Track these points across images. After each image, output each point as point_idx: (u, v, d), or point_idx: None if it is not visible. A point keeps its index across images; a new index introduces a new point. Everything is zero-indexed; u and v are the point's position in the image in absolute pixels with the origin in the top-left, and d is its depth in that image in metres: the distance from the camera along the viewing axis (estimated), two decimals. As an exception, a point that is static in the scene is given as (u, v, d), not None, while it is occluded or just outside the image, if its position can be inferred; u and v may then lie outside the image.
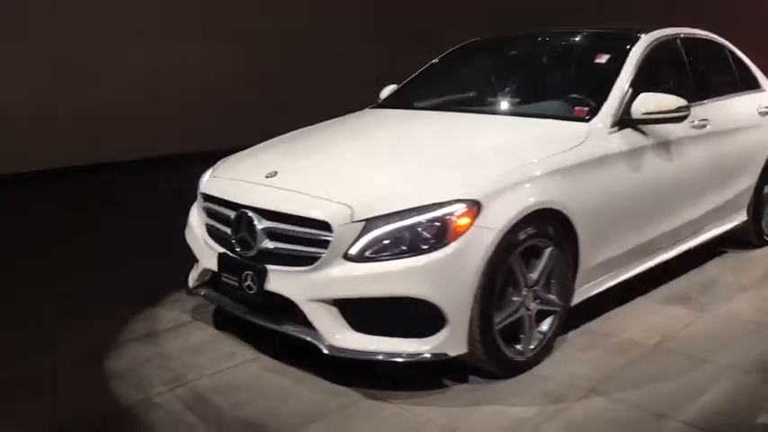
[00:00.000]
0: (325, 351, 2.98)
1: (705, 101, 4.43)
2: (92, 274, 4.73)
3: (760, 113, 4.92)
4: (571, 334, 3.66)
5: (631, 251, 3.80)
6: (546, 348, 3.36)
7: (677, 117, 3.77)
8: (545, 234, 3.22)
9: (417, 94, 4.60)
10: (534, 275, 3.21)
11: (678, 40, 4.49)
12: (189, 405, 2.97)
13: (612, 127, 3.67)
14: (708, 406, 2.95)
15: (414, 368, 3.13)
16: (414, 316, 2.91)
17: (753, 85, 5.12)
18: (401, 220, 2.90)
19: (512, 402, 2.98)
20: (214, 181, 3.57)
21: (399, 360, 2.95)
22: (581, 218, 3.36)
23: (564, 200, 3.26)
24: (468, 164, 3.23)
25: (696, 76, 4.51)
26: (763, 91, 5.14)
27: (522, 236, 3.09)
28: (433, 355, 2.94)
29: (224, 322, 3.74)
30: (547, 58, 4.62)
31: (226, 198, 3.37)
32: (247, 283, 3.18)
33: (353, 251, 2.92)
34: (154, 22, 8.61)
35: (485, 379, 3.17)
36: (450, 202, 2.93)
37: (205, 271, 3.51)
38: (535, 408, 2.94)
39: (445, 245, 2.88)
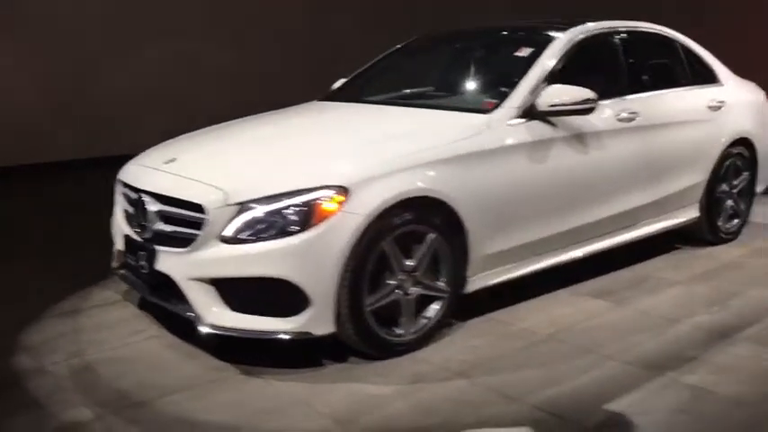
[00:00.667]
0: (201, 328, 3.15)
1: (639, 94, 4.41)
2: (43, 259, 5.03)
3: (710, 108, 4.84)
4: (474, 320, 3.74)
5: (540, 242, 3.84)
6: (431, 332, 3.44)
7: (584, 109, 3.79)
8: (426, 221, 3.31)
9: (357, 87, 4.73)
10: (413, 261, 3.30)
11: (614, 34, 4.48)
12: (75, 374, 3.19)
13: (517, 119, 3.72)
14: (565, 393, 2.99)
15: (307, 347, 3.25)
16: (280, 296, 3.05)
17: (708, 79, 5.05)
18: (271, 204, 3.05)
19: (374, 381, 3.09)
20: (129, 167, 3.80)
21: (269, 338, 3.11)
22: (468, 207, 3.43)
23: (446, 189, 3.34)
24: (349, 152, 3.36)
25: (631, 69, 4.49)
26: (720, 86, 5.06)
27: (396, 222, 3.19)
28: (298, 333, 3.07)
29: (147, 301, 3.95)
30: (479, 53, 4.68)
31: (129, 183, 3.59)
32: (142, 262, 3.38)
33: (227, 233, 3.08)
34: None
35: (363, 360, 3.28)
36: (317, 188, 3.06)
37: (119, 252, 3.74)
38: (394, 387, 3.04)
39: (310, 228, 3.01)
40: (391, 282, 3.26)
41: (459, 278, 3.51)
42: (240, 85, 9.20)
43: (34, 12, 8.15)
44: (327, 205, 3.04)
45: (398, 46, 5.01)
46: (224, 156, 3.55)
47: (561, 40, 4.09)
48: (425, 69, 4.71)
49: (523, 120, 3.74)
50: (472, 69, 4.49)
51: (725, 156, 4.95)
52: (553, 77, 3.94)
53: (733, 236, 5.17)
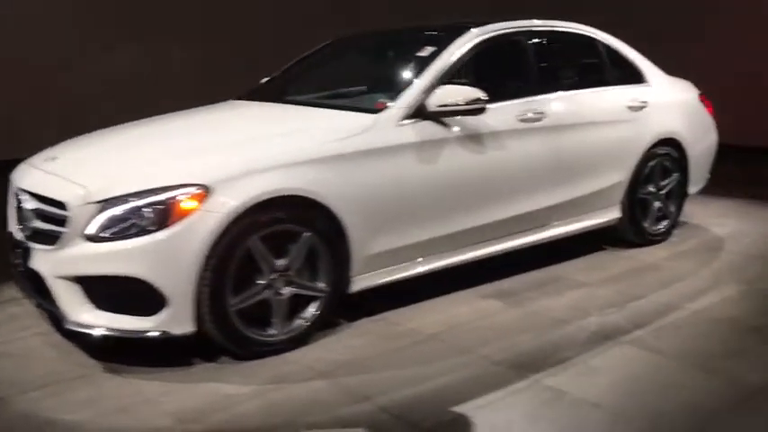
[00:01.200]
0: (67, 326, 3.16)
1: (549, 94, 4.37)
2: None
3: (631, 108, 4.79)
4: (363, 320, 3.73)
5: (431, 243, 3.82)
6: (309, 332, 3.43)
7: (474, 109, 3.77)
8: (299, 221, 3.30)
9: (274, 86, 4.72)
10: (285, 261, 3.30)
11: (524, 34, 4.45)
12: (-58, 369, 3.22)
13: (406, 119, 3.70)
14: (422, 393, 2.98)
15: (195, 345, 3.27)
16: (139, 295, 3.05)
17: (632, 79, 5.00)
18: (130, 202, 3.05)
19: (234, 381, 3.09)
20: (20, 166, 3.82)
21: (137, 337, 3.11)
22: (346, 207, 3.42)
23: (319, 189, 3.33)
24: (218, 151, 3.35)
25: (542, 69, 4.45)
26: (646, 85, 5.01)
27: (262, 220, 3.18)
28: (158, 332, 3.07)
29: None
30: (390, 54, 4.66)
31: (13, 181, 3.62)
32: (19, 260, 3.40)
33: (90, 231, 3.09)
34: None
35: (233, 360, 3.28)
36: (176, 186, 3.07)
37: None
38: (253, 387, 3.04)
39: (167, 227, 3.02)
40: (260, 281, 3.25)
41: (339, 278, 3.50)
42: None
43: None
44: (186, 204, 3.04)
45: (321, 45, 5.01)
46: (103, 155, 3.57)
47: (461, 41, 4.07)
48: (342, 69, 4.70)
49: (413, 120, 3.72)
50: (380, 70, 4.47)
51: (648, 156, 4.90)
52: (451, 78, 3.93)
53: (662, 237, 5.11)
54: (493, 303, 3.98)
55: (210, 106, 4.41)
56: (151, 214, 3.03)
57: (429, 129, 3.75)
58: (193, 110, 4.31)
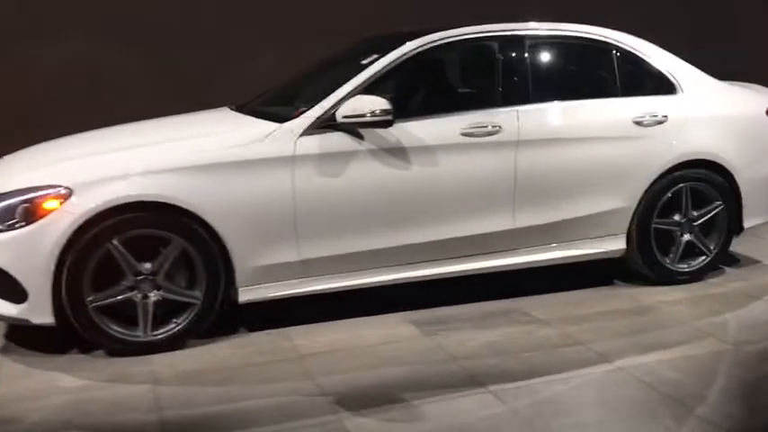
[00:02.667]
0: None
1: (511, 107, 3.91)
2: None
3: (640, 123, 4.11)
4: (259, 333, 3.69)
5: (335, 259, 3.64)
6: (180, 337, 3.48)
7: (380, 121, 3.53)
8: (167, 227, 3.37)
9: (261, 98, 4.59)
10: (151, 265, 3.39)
11: (486, 40, 4.04)
12: None
13: (313, 129, 3.58)
14: (214, 414, 2.91)
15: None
16: (9, 284, 3.33)
17: (656, 89, 4.29)
18: (5, 200, 3.34)
19: (74, 373, 3.25)
20: None
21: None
22: (224, 216, 3.42)
23: (188, 196, 3.36)
24: (105, 155, 3.51)
25: (508, 79, 3.99)
26: (678, 96, 4.26)
27: (124, 224, 3.31)
28: (20, 319, 3.34)
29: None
30: (351, 63, 4.37)
31: None
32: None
33: None
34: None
35: (103, 354, 3.44)
36: (43, 187, 3.30)
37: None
38: (82, 382, 3.18)
39: (30, 224, 3.27)
40: (124, 282, 3.38)
41: (217, 287, 3.49)
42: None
43: None
44: (49, 203, 3.26)
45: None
46: (15, 160, 3.83)
47: (396, 52, 3.80)
48: (313, 79, 4.55)
49: (320, 131, 3.58)
50: (333, 80, 4.27)
51: (670, 180, 4.17)
52: (378, 88, 3.71)
53: (691, 276, 4.32)
54: (408, 330, 3.70)
55: (182, 114, 4.52)
56: (21, 212, 3.29)
57: (337, 140, 3.59)
58: (163, 118, 4.45)
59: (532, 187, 3.92)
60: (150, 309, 3.43)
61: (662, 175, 4.14)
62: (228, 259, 3.48)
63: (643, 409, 2.88)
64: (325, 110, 3.61)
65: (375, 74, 3.73)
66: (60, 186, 3.28)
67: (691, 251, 4.32)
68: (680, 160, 4.17)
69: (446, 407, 2.92)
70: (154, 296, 3.42)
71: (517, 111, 3.90)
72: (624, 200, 4.10)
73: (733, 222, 4.35)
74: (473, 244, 3.87)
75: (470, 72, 4.15)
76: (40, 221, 3.25)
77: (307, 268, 3.63)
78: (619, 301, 4.06)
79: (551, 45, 4.22)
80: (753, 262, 4.71)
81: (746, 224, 4.41)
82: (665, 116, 4.15)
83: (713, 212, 4.30)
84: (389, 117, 3.51)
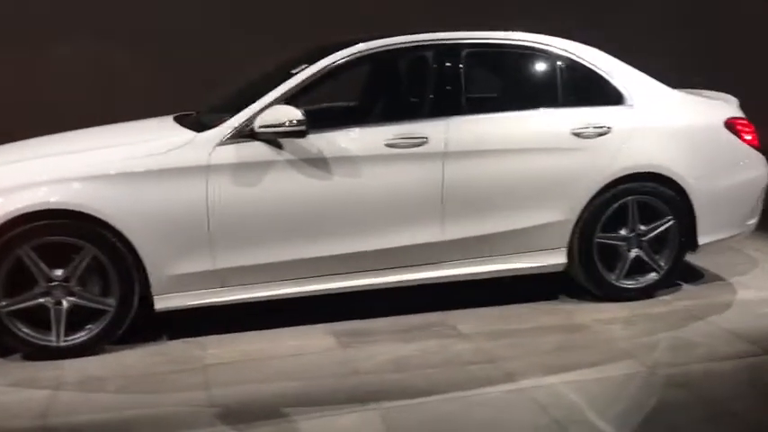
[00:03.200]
0: None
1: (438, 118, 3.84)
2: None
3: (579, 135, 3.97)
4: (176, 341, 3.70)
5: (254, 269, 3.64)
6: (93, 343, 3.52)
7: (294, 131, 3.51)
8: (78, 234, 3.42)
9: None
10: (62, 272, 3.44)
11: (428, 48, 3.97)
12: None
13: (231, 139, 3.58)
14: (88, 422, 2.93)
15: None
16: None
17: (601, 99, 4.14)
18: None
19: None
20: None
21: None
22: (137, 225, 3.45)
23: (98, 204, 3.40)
24: (28, 162, 3.57)
25: (433, 89, 3.93)
26: (625, 107, 4.11)
27: (35, 231, 3.36)
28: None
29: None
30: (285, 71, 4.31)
31: None
32: None
33: None
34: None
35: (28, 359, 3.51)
36: (-37, 194, 3.39)
37: None
38: (-18, 385, 3.25)
39: (-48, 228, 3.35)
40: (37, 288, 3.44)
41: (131, 294, 3.52)
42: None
43: None
44: (-37, 209, 3.35)
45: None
46: None
47: (323, 62, 3.77)
48: (252, 88, 4.46)
49: (238, 140, 3.58)
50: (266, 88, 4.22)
51: (615, 193, 4.02)
52: (303, 98, 3.70)
53: (643, 293, 4.16)
54: (326, 342, 3.67)
55: (128, 122, 4.55)
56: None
57: (256, 150, 3.58)
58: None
59: (462, 199, 3.83)
60: (63, 315, 3.47)
61: (605, 188, 4.00)
62: (142, 268, 3.51)
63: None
64: (243, 120, 3.60)
65: (298, 84, 3.71)
66: None
67: (641, 267, 4.16)
68: (624, 173, 4.02)
69: (325, 424, 2.88)
70: (66, 303, 3.47)
71: (447, 122, 3.82)
72: (563, 213, 3.98)
73: (686, 238, 4.17)
74: (400, 256, 3.81)
75: (402, 82, 4.10)
76: (-44, 227, 3.33)
77: (223, 278, 3.63)
78: (553, 318, 3.94)
79: (488, 54, 4.12)
80: (717, 279, 4.52)
81: (701, 241, 4.22)
82: (609, 127, 4.01)
83: (663, 228, 4.13)
84: (303, 127, 3.49)
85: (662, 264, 4.18)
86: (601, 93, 4.15)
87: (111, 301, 3.51)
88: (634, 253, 4.13)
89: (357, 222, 3.73)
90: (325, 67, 3.77)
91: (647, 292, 4.17)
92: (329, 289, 3.77)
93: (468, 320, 3.89)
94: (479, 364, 3.37)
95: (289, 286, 3.72)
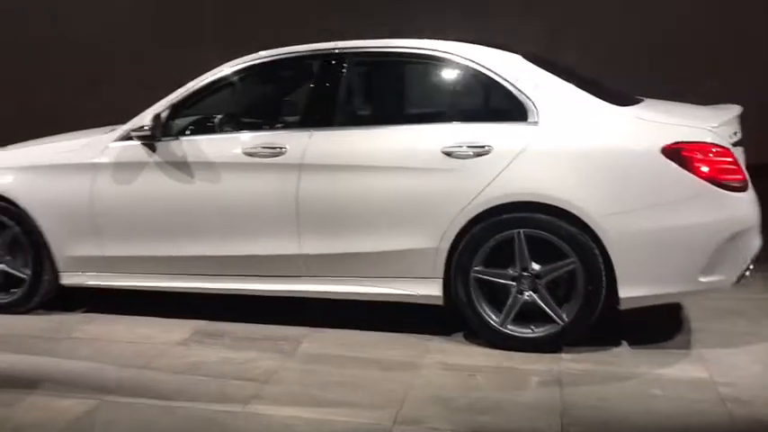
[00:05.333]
0: None
1: (299, 129, 3.80)
2: None
3: (452, 155, 3.51)
4: (64, 315, 4.24)
5: (135, 260, 4.01)
6: (13, 305, 4.26)
7: (144, 135, 3.83)
8: (8, 215, 4.17)
9: None
10: (-7, 244, 4.24)
11: (305, 59, 3.94)
12: None
13: (120, 141, 4.01)
14: None
15: None
16: None
17: (497, 114, 3.62)
18: None
19: None
20: None
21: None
22: (41, 210, 4.09)
23: (14, 191, 4.11)
24: None
25: (313, 100, 3.86)
26: (525, 124, 3.51)
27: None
28: None
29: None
30: None
31: None
32: None
33: None
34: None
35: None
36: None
37: None
38: None
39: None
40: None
41: (42, 270, 4.17)
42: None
43: None
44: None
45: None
46: None
47: (215, 70, 3.96)
48: None
49: (124, 142, 3.99)
50: None
51: (498, 223, 3.50)
52: (191, 106, 3.99)
53: (542, 346, 3.53)
54: (178, 336, 3.87)
55: None
56: None
57: (134, 152, 3.95)
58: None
59: (319, 214, 3.71)
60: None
61: (483, 216, 3.49)
62: (48, 247, 4.13)
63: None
64: (132, 124, 4.00)
65: (184, 93, 3.97)
66: None
67: (546, 315, 3.53)
68: (505, 200, 3.45)
69: (46, 403, 3.13)
70: (-1, 267, 4.26)
71: (311, 134, 3.73)
72: (431, 240, 3.57)
73: (595, 287, 3.41)
74: (261, 264, 3.84)
75: (283, 93, 4.05)
76: None
77: (111, 264, 4.08)
78: (400, 353, 3.57)
79: (372, 63, 3.89)
80: (658, 346, 3.60)
81: (624, 293, 3.40)
82: (488, 147, 3.48)
83: (563, 270, 3.45)
84: (149, 132, 3.79)
85: (564, 315, 3.48)
86: (499, 107, 3.62)
87: (27, 272, 4.20)
88: (526, 296, 3.52)
89: (216, 227, 3.86)
90: (214, 76, 3.95)
91: (548, 345, 3.52)
92: (191, 288, 3.98)
93: (321, 341, 3.76)
94: (248, 382, 3.29)
95: (159, 280, 4.02)
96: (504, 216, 3.47)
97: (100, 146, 4.04)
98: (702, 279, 3.38)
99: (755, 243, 3.46)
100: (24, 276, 4.22)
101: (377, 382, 3.29)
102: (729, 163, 3.36)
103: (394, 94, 4.05)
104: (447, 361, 3.48)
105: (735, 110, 3.73)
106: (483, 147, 3.48)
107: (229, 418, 2.96)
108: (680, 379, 3.24)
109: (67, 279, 4.18)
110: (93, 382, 3.35)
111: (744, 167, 3.41)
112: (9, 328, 4.08)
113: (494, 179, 3.45)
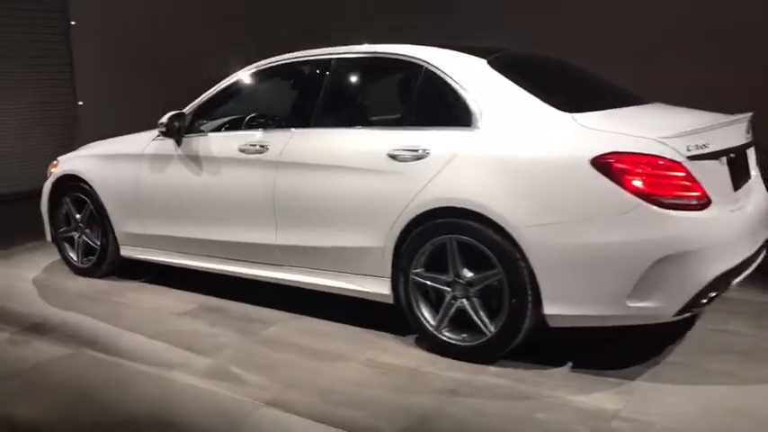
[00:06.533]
0: None
1: (281, 129, 4.14)
2: None
3: (395, 157, 3.57)
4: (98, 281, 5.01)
5: (171, 240, 4.60)
6: (94, 269, 5.13)
7: (162, 132, 4.41)
8: (84, 193, 5.06)
9: None
10: (78, 216, 5.13)
11: (298, 65, 4.24)
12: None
13: (160, 136, 4.65)
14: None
15: None
16: None
17: (447, 119, 3.60)
18: None
19: None
20: None
21: None
22: (105, 192, 4.88)
23: (88, 173, 4.95)
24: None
25: (300, 102, 4.20)
26: (466, 130, 3.47)
27: (69, 188, 5.16)
28: None
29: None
30: None
31: None
32: None
33: None
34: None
35: None
36: None
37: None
38: None
39: None
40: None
41: (108, 242, 4.98)
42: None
43: None
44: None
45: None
46: None
47: (232, 76, 4.42)
48: None
49: (163, 137, 4.62)
50: None
51: (431, 227, 3.50)
52: (215, 108, 4.53)
53: (474, 354, 3.45)
54: (179, 308, 4.39)
55: None
56: None
57: (166, 146, 4.57)
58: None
59: (289, 208, 3.99)
60: (80, 246, 5.17)
61: (419, 219, 3.52)
62: (110, 222, 4.92)
63: None
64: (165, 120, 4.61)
65: (208, 96, 4.50)
66: None
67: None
68: (436, 205, 3.45)
69: (43, 348, 3.82)
70: (81, 240, 5.15)
71: (292, 133, 4.03)
72: (377, 239, 3.67)
73: (519, 300, 3.29)
74: (248, 251, 4.24)
75: (276, 96, 4.34)
76: None
77: (148, 241, 4.75)
78: (341, 345, 3.72)
79: (349, 67, 4.05)
80: (601, 373, 3.31)
81: (547, 310, 3.24)
82: (426, 151, 3.50)
83: (491, 280, 3.37)
84: (164, 129, 4.35)
85: (491, 326, 3.40)
86: (449, 112, 3.59)
87: (98, 243, 5.03)
88: (459, 303, 3.49)
89: (215, 213, 4.33)
90: (228, 82, 4.43)
91: (473, 354, 3.45)
92: (202, 267, 4.50)
93: (290, 327, 4.02)
94: (192, 353, 3.69)
95: (199, 261, 4.52)
96: (439, 221, 3.46)
97: (147, 139, 4.71)
98: (630, 303, 3.08)
99: (710, 270, 3.06)
100: (96, 247, 5.05)
101: (295, 368, 3.48)
102: (678, 178, 3.03)
103: (362, 96, 4.22)
104: (377, 358, 3.56)
105: (720, 119, 3.30)
106: (422, 151, 3.50)
107: (144, 377, 3.40)
108: (582, 408, 3.00)
109: (124, 252, 4.93)
110: (85, 337, 3.98)
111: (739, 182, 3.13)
112: (72, 287, 4.92)
113: (427, 183, 3.46)
